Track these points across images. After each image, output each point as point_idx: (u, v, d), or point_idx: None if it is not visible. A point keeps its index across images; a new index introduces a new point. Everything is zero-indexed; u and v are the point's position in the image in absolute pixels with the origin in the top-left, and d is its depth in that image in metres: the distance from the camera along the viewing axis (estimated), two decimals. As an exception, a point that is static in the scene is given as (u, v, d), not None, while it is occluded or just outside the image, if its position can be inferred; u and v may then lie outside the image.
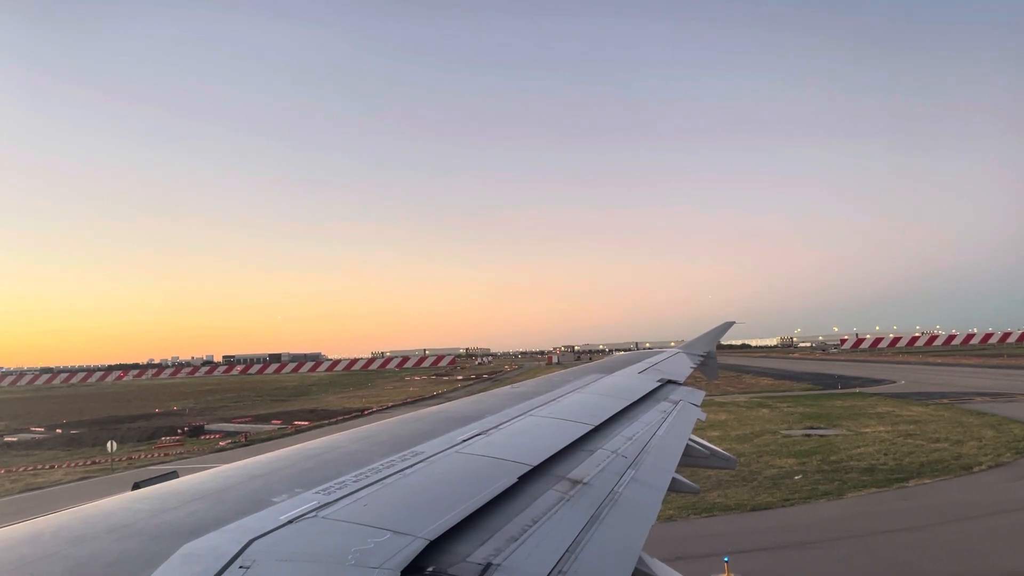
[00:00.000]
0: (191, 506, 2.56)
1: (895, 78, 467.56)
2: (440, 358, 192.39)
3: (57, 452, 44.41)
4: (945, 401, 46.35)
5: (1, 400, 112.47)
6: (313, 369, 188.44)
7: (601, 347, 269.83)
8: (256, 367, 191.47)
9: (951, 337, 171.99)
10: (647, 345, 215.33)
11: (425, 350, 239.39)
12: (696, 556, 16.44)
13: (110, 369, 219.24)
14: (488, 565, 2.32)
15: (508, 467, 3.41)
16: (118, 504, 2.63)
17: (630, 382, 8.13)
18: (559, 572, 2.43)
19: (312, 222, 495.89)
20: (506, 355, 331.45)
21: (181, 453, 41.18)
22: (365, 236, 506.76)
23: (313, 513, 2.48)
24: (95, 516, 2.48)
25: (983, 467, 25.48)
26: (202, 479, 3.04)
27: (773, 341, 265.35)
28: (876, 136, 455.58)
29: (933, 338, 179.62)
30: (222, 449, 41.90)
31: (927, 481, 23.88)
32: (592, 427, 4.85)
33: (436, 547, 2.33)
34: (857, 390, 58.89)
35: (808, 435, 34.89)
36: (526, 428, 4.63)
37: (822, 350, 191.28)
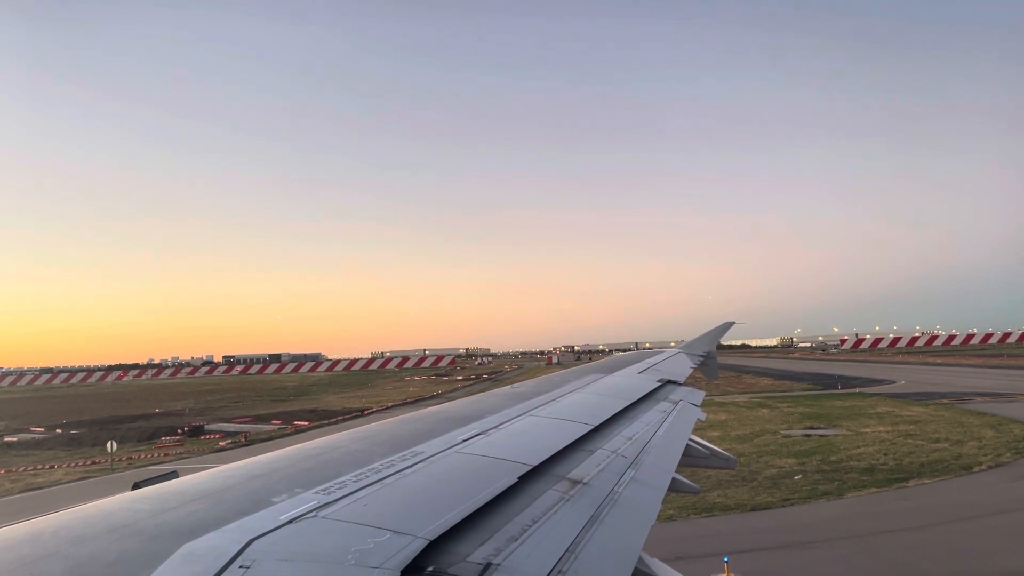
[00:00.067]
0: (191, 506, 2.56)
1: (895, 78, 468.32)
2: (440, 358, 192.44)
3: (57, 452, 44.41)
4: (945, 401, 46.35)
5: (1, 400, 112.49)
6: (313, 369, 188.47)
7: (601, 347, 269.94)
8: (256, 367, 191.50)
9: (951, 337, 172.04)
10: (647, 345, 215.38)
11: (425, 350, 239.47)
12: (696, 556, 16.44)
13: (110, 369, 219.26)
14: (488, 565, 2.32)
15: (508, 467, 3.41)
16: (118, 504, 2.63)
17: (630, 382, 8.13)
18: (559, 572, 2.43)
19: (312, 222, 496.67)
20: (506, 355, 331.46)
21: (181, 453, 41.18)
22: (365, 236, 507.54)
23: (313, 513, 2.49)
24: (95, 516, 2.48)
25: (983, 467, 25.48)
26: (202, 479, 3.04)
27: (773, 341, 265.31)
28: (876, 136, 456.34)
29: (933, 338, 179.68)
30: (222, 449, 41.90)
31: (927, 481, 23.88)
32: (592, 427, 4.85)
33: (436, 547, 2.33)
34: (857, 390, 58.89)
35: (808, 435, 34.90)
36: (526, 428, 4.63)
37: (822, 350, 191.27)
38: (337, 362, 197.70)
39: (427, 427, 4.42)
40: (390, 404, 65.59)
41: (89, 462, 39.00)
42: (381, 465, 3.24)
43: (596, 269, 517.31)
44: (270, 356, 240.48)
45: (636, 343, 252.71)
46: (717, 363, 14.00)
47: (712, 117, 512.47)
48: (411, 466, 3.27)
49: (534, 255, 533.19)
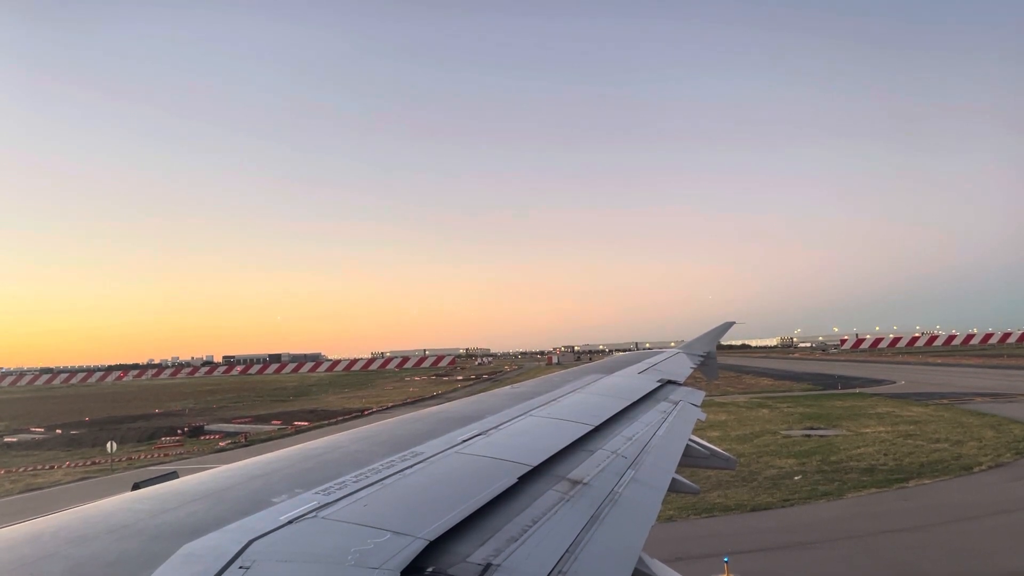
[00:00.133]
0: (191, 506, 2.56)
1: (895, 78, 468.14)
2: (440, 358, 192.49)
3: (57, 452, 44.39)
4: (945, 401, 46.34)
5: (1, 400, 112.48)
6: (313, 369, 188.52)
7: (601, 347, 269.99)
8: (256, 367, 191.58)
9: (951, 337, 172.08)
10: (647, 345, 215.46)
11: (425, 350, 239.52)
12: (696, 556, 16.44)
13: (110, 369, 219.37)
14: (488, 565, 2.32)
15: (508, 467, 3.41)
16: (118, 504, 2.63)
17: (630, 382, 8.13)
18: (559, 572, 2.43)
19: (312, 222, 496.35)
20: (506, 355, 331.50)
21: (181, 453, 41.17)
22: (365, 236, 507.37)
23: (313, 513, 2.49)
24: (95, 516, 2.48)
25: (983, 467, 25.48)
26: (202, 479, 3.04)
27: (773, 341, 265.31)
28: (876, 136, 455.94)
29: (933, 338, 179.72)
30: (222, 449, 41.89)
31: (927, 481, 23.88)
32: (592, 427, 4.85)
33: (436, 547, 2.33)
34: (857, 390, 58.88)
35: (808, 435, 34.89)
36: (526, 428, 4.63)
37: (822, 350, 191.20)
38: (337, 362, 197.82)
39: (427, 427, 4.42)
40: (390, 404, 65.59)
41: (89, 462, 38.99)
42: (381, 465, 3.25)
43: (596, 269, 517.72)
44: (270, 356, 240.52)
45: (636, 343, 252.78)
46: (717, 363, 14.01)
47: (712, 117, 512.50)
48: (411, 466, 3.27)
49: (534, 255, 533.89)
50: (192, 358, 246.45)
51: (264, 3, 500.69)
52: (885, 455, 28.52)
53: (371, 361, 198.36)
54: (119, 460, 38.46)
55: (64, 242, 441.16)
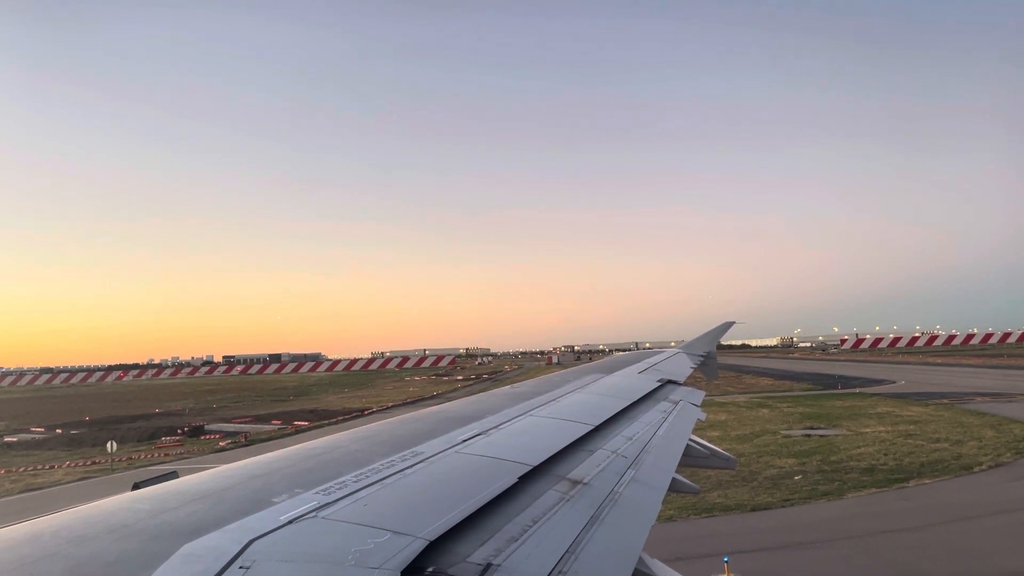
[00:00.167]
0: (191, 506, 2.56)
1: (895, 78, 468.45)
2: (440, 358, 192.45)
3: (57, 452, 44.39)
4: (945, 401, 46.34)
5: (1, 400, 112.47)
6: (313, 369, 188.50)
7: (601, 347, 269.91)
8: (256, 367, 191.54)
9: (951, 337, 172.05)
10: (647, 345, 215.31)
11: (425, 350, 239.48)
12: (696, 556, 16.44)
13: (110, 369, 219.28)
14: (488, 565, 2.32)
15: (508, 467, 3.40)
16: (118, 504, 2.63)
17: (630, 382, 8.13)
18: (559, 572, 2.43)
19: (312, 222, 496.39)
20: (506, 355, 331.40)
21: (181, 453, 41.18)
22: (365, 236, 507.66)
23: (313, 513, 2.48)
24: (95, 516, 2.47)
25: (983, 467, 25.48)
26: (202, 479, 3.04)
27: (773, 341, 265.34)
28: (876, 136, 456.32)
29: (933, 338, 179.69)
30: (222, 449, 41.90)
31: (927, 481, 23.88)
32: (592, 427, 4.85)
33: (436, 547, 2.33)
34: (857, 390, 58.88)
35: (808, 435, 34.89)
36: (526, 428, 4.63)
37: (822, 350, 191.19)
38: (337, 362, 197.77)
39: (427, 427, 4.41)
40: (390, 404, 65.58)
41: (89, 462, 39.00)
42: (381, 465, 3.24)
43: (596, 269, 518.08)
44: (270, 356, 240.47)
45: (636, 343, 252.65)
46: (717, 363, 14.00)
47: (712, 117, 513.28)
48: (411, 466, 3.27)
49: (534, 255, 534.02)
50: (192, 358, 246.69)
51: (264, 3, 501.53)
52: (885, 455, 28.52)
53: (371, 361, 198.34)
54: (119, 460, 38.46)
55: (64, 242, 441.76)
